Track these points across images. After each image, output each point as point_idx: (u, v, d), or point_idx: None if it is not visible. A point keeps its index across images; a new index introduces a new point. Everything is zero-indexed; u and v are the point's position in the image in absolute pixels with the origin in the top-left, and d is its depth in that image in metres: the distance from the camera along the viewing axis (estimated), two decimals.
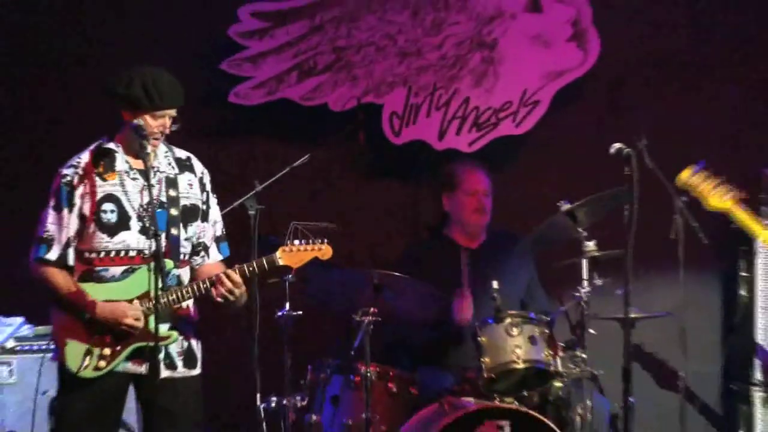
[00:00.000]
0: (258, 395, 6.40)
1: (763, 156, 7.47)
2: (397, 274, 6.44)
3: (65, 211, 5.46)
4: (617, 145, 6.01)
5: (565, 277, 6.65)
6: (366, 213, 7.75)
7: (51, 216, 5.49)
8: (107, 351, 5.40)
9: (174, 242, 5.48)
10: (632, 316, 6.07)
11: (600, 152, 6.07)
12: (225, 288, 5.43)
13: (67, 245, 5.46)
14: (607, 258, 6.44)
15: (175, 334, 5.48)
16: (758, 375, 7.31)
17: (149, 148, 5.42)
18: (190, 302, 5.57)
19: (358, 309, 6.36)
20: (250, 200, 6.38)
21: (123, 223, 5.43)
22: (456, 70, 7.74)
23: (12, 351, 6.86)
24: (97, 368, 5.39)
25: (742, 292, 7.40)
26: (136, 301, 5.41)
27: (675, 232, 6.56)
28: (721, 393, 7.69)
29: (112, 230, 5.42)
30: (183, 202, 5.55)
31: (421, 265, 6.85)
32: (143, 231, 5.43)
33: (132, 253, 5.43)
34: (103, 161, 5.50)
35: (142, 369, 5.41)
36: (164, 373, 5.43)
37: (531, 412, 6.20)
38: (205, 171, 5.69)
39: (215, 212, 5.71)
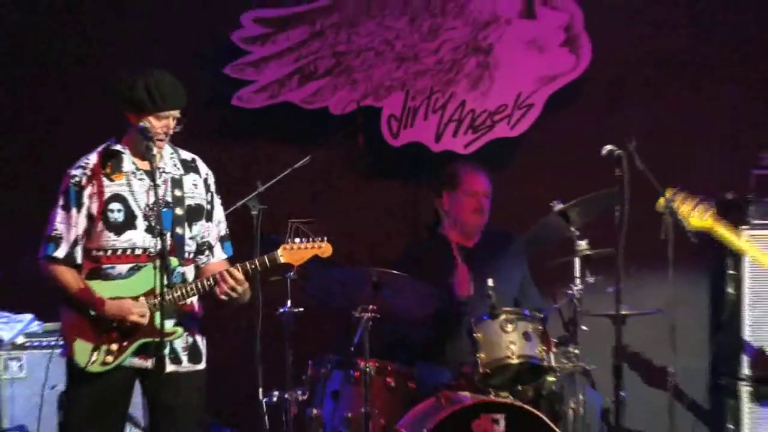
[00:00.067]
0: (260, 390, 6.41)
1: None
2: (395, 272, 6.45)
3: (74, 210, 5.46)
4: (608, 147, 6.02)
5: (558, 275, 6.65)
6: (365, 213, 7.74)
7: (59, 215, 5.48)
8: (114, 346, 5.40)
9: (179, 241, 5.48)
10: (623, 313, 6.09)
11: (592, 154, 6.08)
12: (228, 285, 5.43)
13: (75, 244, 5.46)
14: (599, 257, 6.44)
15: (180, 329, 5.47)
16: (745, 370, 7.31)
17: (155, 150, 5.42)
18: (194, 299, 5.56)
19: (358, 306, 6.36)
20: (252, 200, 6.38)
21: (129, 222, 5.43)
22: (452, 74, 7.75)
23: (22, 347, 6.87)
24: (104, 363, 5.39)
25: (730, 290, 7.39)
26: (142, 298, 5.41)
27: (665, 232, 6.57)
28: (710, 388, 7.67)
29: (119, 229, 5.42)
30: (188, 201, 5.54)
31: (420, 263, 6.85)
32: (149, 230, 5.43)
33: (138, 252, 5.44)
34: (110, 162, 5.49)
35: (148, 364, 5.41)
36: (170, 367, 5.42)
37: (525, 406, 6.20)
38: (210, 172, 5.69)
39: (219, 212, 5.70)
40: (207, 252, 5.65)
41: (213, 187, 5.67)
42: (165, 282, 5.28)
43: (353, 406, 6.37)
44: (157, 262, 5.31)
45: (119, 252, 5.43)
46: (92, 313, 5.41)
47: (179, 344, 5.51)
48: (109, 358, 5.40)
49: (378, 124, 7.72)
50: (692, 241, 6.39)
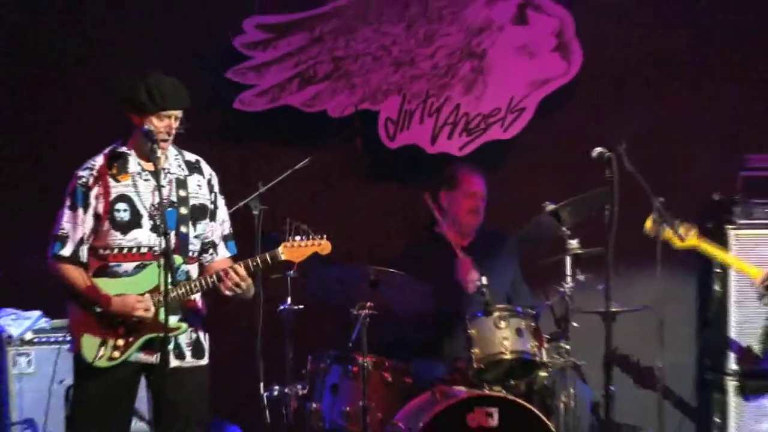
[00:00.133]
0: (261, 384, 6.43)
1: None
2: (391, 270, 6.46)
3: (80, 210, 5.47)
4: (599, 150, 6.02)
5: (550, 273, 6.64)
6: (363, 213, 7.73)
7: (66, 215, 5.50)
8: (121, 342, 5.42)
9: (183, 239, 5.49)
10: (613, 309, 6.08)
11: (582, 156, 6.08)
12: (232, 282, 5.45)
13: (80, 243, 5.48)
14: (590, 255, 6.44)
15: (184, 325, 5.49)
16: (731, 365, 7.32)
17: (159, 152, 5.43)
18: (198, 296, 5.57)
19: (356, 303, 6.37)
20: (254, 201, 6.40)
21: (135, 222, 5.44)
22: (447, 78, 7.76)
23: (30, 342, 6.89)
24: (111, 358, 5.41)
25: (717, 288, 7.40)
26: (147, 294, 5.42)
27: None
28: (697, 382, 7.69)
29: (125, 228, 5.44)
30: (192, 201, 5.55)
31: (418, 262, 6.86)
32: (154, 229, 5.44)
33: (144, 250, 5.45)
34: (116, 163, 5.50)
35: (153, 359, 5.43)
36: (174, 362, 5.44)
37: (518, 400, 6.21)
38: (213, 173, 5.70)
39: (223, 212, 5.71)
40: (211, 250, 5.67)
41: (217, 188, 5.68)
42: (169, 279, 5.30)
43: (351, 400, 6.38)
44: (162, 261, 5.32)
45: (125, 250, 5.45)
46: (98, 309, 5.42)
47: (183, 340, 5.53)
48: (116, 354, 5.42)
49: (375, 127, 7.72)
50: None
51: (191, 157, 5.68)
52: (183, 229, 5.50)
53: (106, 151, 5.56)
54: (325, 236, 5.63)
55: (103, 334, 5.43)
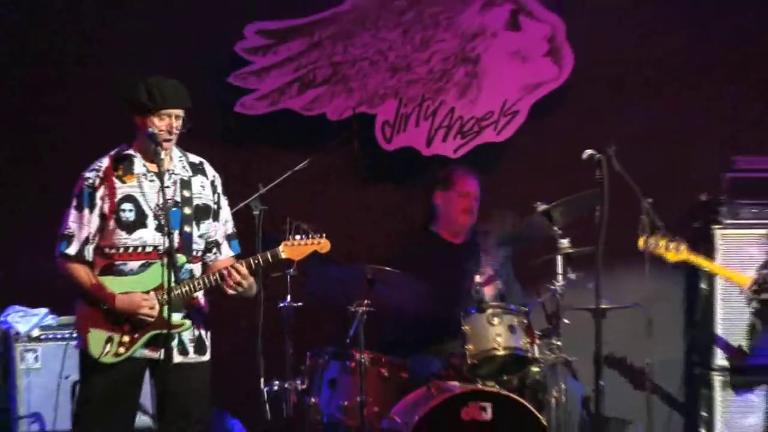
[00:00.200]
0: (262, 379, 6.43)
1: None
2: (387, 269, 6.48)
3: (86, 210, 5.47)
4: (589, 151, 6.02)
5: (541, 271, 6.67)
6: (361, 213, 7.72)
7: (72, 215, 5.50)
8: (126, 338, 5.42)
9: (187, 239, 5.50)
10: (603, 307, 6.08)
11: (573, 158, 6.10)
12: (234, 280, 5.45)
13: (86, 242, 5.48)
14: (580, 254, 6.46)
15: (188, 322, 5.50)
16: (718, 361, 7.33)
17: (163, 154, 5.44)
18: (201, 294, 5.58)
19: (353, 301, 6.39)
20: (254, 201, 6.39)
21: (140, 222, 5.45)
22: (442, 83, 7.76)
23: (37, 339, 6.90)
24: (117, 354, 5.41)
25: (703, 286, 7.40)
26: (152, 293, 5.43)
27: (642, 231, 6.63)
28: (684, 377, 7.68)
29: (130, 228, 5.44)
30: (196, 201, 5.56)
31: (415, 260, 6.88)
32: (159, 228, 5.44)
33: (149, 249, 5.45)
34: (122, 165, 5.51)
35: (158, 355, 5.42)
36: (177, 358, 5.44)
37: (511, 394, 6.23)
38: (216, 175, 5.70)
39: (226, 212, 5.71)
40: (215, 250, 5.67)
41: (220, 189, 5.69)
42: (173, 278, 5.31)
43: (349, 394, 6.40)
44: (165, 259, 5.35)
45: (131, 249, 5.45)
46: (105, 307, 5.44)
47: (187, 336, 5.53)
48: (122, 350, 5.42)
49: (372, 130, 7.72)
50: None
51: (195, 158, 5.69)
52: (187, 228, 5.51)
53: (112, 153, 5.57)
54: (324, 235, 5.64)
55: (109, 331, 5.43)
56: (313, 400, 6.50)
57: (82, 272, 5.48)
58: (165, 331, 5.34)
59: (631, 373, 7.51)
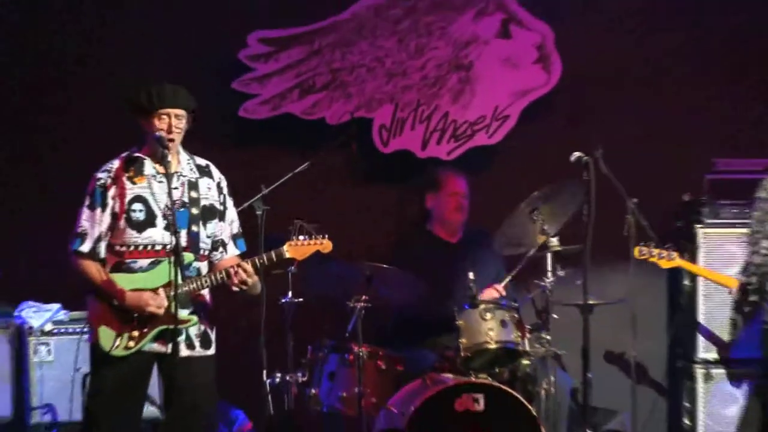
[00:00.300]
0: (264, 372, 6.44)
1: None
2: (384, 265, 6.49)
3: (98, 209, 5.49)
4: (577, 154, 6.05)
5: (532, 268, 6.69)
6: (360, 213, 7.71)
7: (85, 213, 5.52)
8: (136, 333, 5.44)
9: (194, 238, 5.51)
10: (590, 302, 6.12)
11: (562, 160, 6.11)
12: (239, 278, 5.47)
13: (98, 240, 5.50)
14: (569, 253, 6.47)
15: (195, 318, 5.51)
16: (700, 354, 7.35)
17: (169, 157, 5.47)
18: (206, 291, 5.59)
19: (352, 297, 6.41)
20: (257, 202, 6.40)
21: (150, 221, 5.47)
22: (436, 88, 7.77)
23: (50, 333, 6.92)
24: (126, 348, 5.43)
25: (686, 282, 7.38)
26: (160, 290, 5.44)
27: (627, 230, 6.67)
28: (668, 370, 7.67)
29: (140, 227, 5.46)
30: (203, 202, 5.58)
31: (413, 258, 6.89)
32: (167, 228, 5.46)
33: (158, 247, 5.47)
34: (133, 167, 5.53)
35: (166, 349, 5.44)
36: (184, 352, 5.46)
37: (502, 386, 6.22)
38: (222, 177, 5.72)
39: (232, 213, 5.73)
40: (221, 249, 5.68)
41: (226, 190, 5.70)
42: (180, 275, 5.34)
43: (348, 386, 6.40)
44: (172, 258, 5.37)
45: (140, 248, 5.47)
46: (115, 302, 5.46)
47: (193, 331, 5.55)
48: (131, 344, 5.44)
49: (370, 133, 7.72)
50: (652, 238, 6.54)
51: (202, 161, 5.70)
52: (194, 228, 5.52)
53: (123, 155, 5.59)
54: (326, 236, 5.66)
55: (119, 326, 5.45)
56: (313, 391, 6.49)
57: (93, 269, 5.50)
58: (173, 327, 5.36)
59: (618, 366, 7.54)
